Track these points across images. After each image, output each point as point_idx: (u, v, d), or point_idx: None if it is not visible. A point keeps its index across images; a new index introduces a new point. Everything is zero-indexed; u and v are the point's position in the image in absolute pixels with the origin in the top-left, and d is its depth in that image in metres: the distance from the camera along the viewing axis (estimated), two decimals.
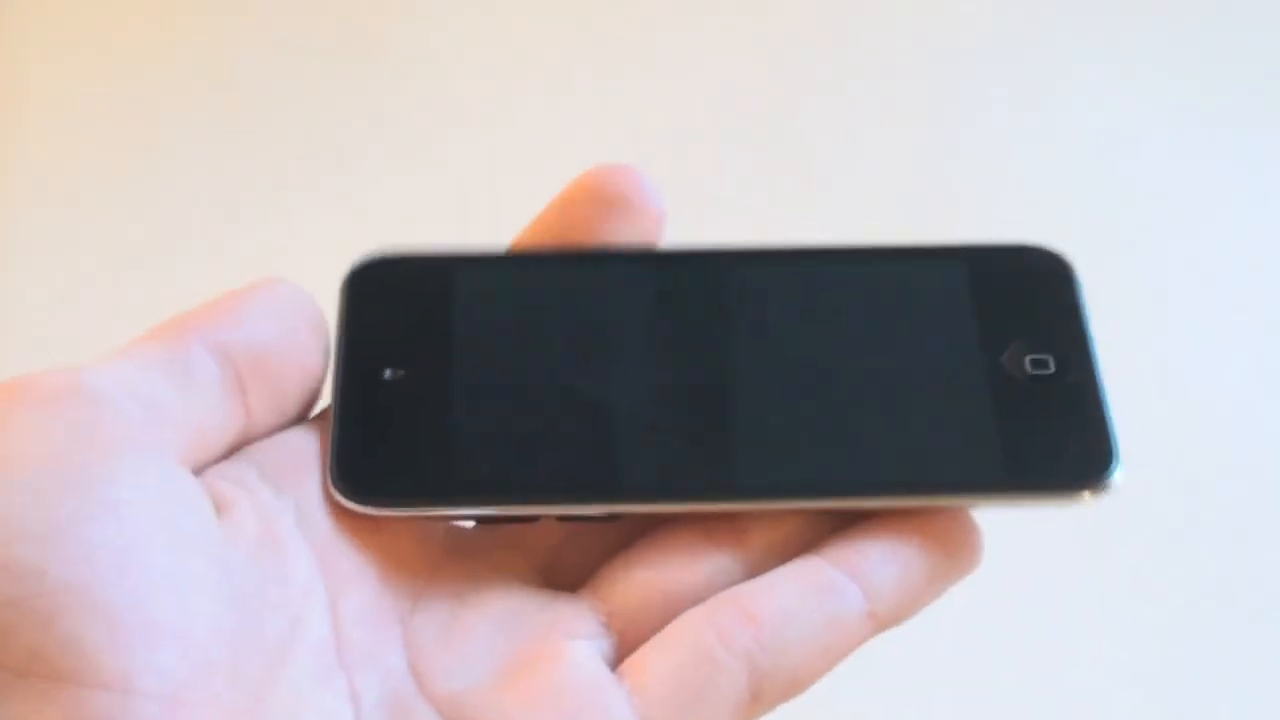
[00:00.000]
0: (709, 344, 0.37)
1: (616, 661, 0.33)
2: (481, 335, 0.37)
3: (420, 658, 0.33)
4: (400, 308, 0.37)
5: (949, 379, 0.36)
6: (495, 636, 0.34)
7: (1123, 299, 0.84)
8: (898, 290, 0.37)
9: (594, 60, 0.95)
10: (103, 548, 0.29)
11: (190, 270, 0.84)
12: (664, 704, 0.32)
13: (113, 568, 0.29)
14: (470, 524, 0.37)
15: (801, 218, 0.88)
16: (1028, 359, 0.36)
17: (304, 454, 0.35)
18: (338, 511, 0.34)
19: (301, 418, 0.36)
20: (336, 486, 0.34)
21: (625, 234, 0.37)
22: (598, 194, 0.37)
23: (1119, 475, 0.34)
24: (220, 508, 0.32)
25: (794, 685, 0.33)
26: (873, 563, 0.34)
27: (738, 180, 0.89)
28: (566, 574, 0.36)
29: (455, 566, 0.35)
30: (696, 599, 0.34)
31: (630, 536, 0.35)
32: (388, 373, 0.36)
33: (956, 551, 0.34)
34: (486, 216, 0.87)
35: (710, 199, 0.88)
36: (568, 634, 0.33)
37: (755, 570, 0.34)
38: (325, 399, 0.36)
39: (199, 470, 0.33)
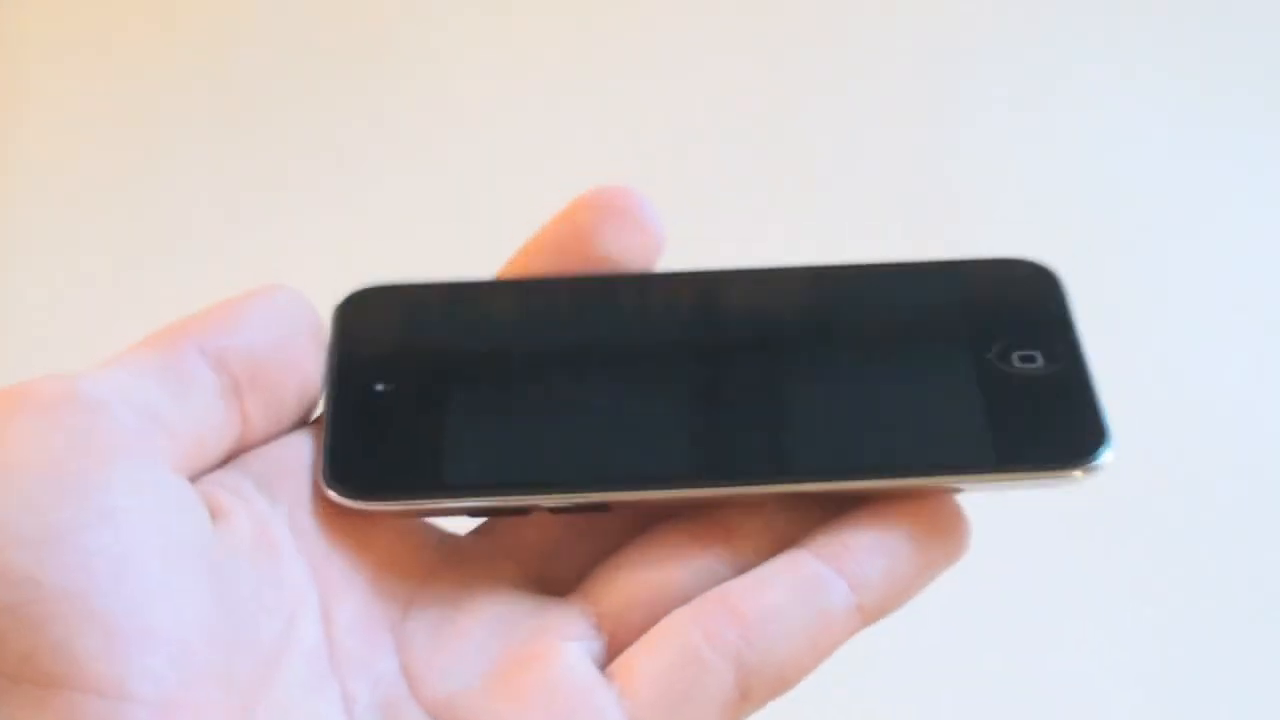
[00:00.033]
0: (696, 345, 0.38)
1: (608, 663, 0.34)
2: (469, 350, 0.38)
3: (413, 662, 0.33)
4: (389, 330, 0.38)
5: (940, 374, 0.37)
6: (487, 640, 0.34)
7: (1122, 298, 0.84)
8: (889, 298, 0.38)
9: (594, 60, 0.95)
10: (98, 554, 0.29)
11: (190, 270, 0.84)
12: (653, 705, 0.32)
13: (107, 574, 0.29)
14: (462, 532, 0.37)
15: (802, 217, 0.88)
16: (1016, 354, 0.37)
17: (299, 462, 0.35)
18: (331, 519, 0.34)
19: (298, 425, 0.36)
20: (329, 484, 0.34)
21: (626, 248, 0.37)
22: (600, 207, 0.37)
23: (1110, 454, 0.35)
24: (216, 515, 0.32)
25: (782, 682, 0.33)
26: (859, 555, 0.34)
27: (737, 180, 0.89)
28: (557, 580, 0.36)
29: (447, 573, 0.35)
30: (685, 599, 0.34)
31: (620, 541, 0.36)
32: (379, 386, 0.36)
33: (943, 539, 0.34)
34: (486, 215, 0.87)
35: (710, 199, 0.88)
36: (559, 636, 0.34)
37: (744, 570, 0.34)
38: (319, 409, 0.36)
39: (195, 477, 0.33)
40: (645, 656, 0.33)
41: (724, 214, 0.87)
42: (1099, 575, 0.75)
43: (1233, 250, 0.87)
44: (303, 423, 0.36)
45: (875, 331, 0.38)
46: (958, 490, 0.35)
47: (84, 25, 0.95)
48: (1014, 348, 0.37)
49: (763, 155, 0.90)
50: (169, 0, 0.97)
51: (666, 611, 0.34)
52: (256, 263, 0.84)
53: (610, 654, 0.34)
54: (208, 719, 0.29)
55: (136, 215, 0.88)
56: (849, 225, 0.88)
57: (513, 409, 0.37)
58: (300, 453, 0.35)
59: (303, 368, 0.35)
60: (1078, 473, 0.35)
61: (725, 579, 0.34)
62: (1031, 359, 0.37)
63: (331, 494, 0.34)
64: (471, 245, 0.82)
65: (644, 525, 0.36)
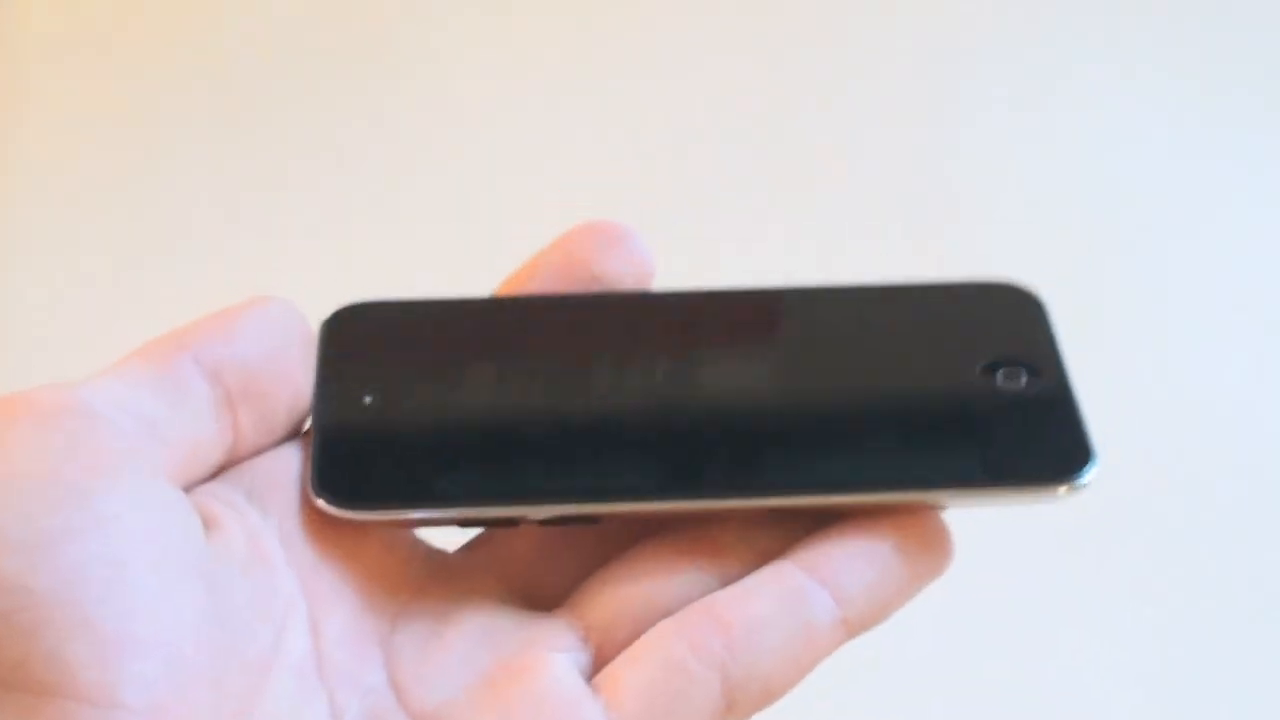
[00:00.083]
0: (685, 361, 0.38)
1: (594, 675, 0.34)
2: (457, 362, 0.38)
3: (400, 674, 0.34)
4: (377, 344, 0.38)
5: (926, 392, 0.37)
6: (474, 653, 0.34)
7: (1122, 298, 0.84)
8: (875, 318, 0.39)
9: (594, 61, 0.95)
10: (90, 563, 0.29)
11: (189, 271, 0.84)
12: (639, 717, 0.32)
13: (100, 582, 0.29)
14: (450, 548, 0.37)
15: (801, 218, 0.88)
16: (1001, 373, 0.37)
17: (289, 475, 0.35)
18: (320, 532, 0.34)
19: (289, 438, 0.36)
20: (317, 493, 0.34)
21: (617, 278, 0.38)
22: (591, 237, 0.38)
23: (1094, 473, 0.35)
24: (209, 525, 0.33)
25: (768, 694, 0.33)
26: (843, 568, 0.34)
27: (737, 180, 0.89)
28: (544, 596, 0.36)
29: (434, 587, 0.35)
30: (672, 613, 0.34)
31: (605, 557, 0.36)
32: (367, 398, 0.37)
33: (928, 553, 0.35)
34: (486, 217, 0.88)
35: (710, 199, 0.88)
36: (546, 648, 0.34)
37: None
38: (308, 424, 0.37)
39: (189, 488, 0.33)
40: (631, 668, 0.33)
41: (724, 214, 0.87)
42: (1094, 579, 0.76)
43: (1233, 250, 0.87)
44: (293, 435, 0.36)
45: (861, 350, 0.38)
46: (942, 506, 0.35)
47: (84, 25, 0.95)
48: (998, 367, 0.37)
49: (762, 156, 0.90)
50: (169, 1, 0.97)
51: (653, 625, 0.34)
52: (256, 264, 0.84)
53: (597, 666, 0.34)
54: None
55: (136, 216, 0.88)
56: (849, 225, 0.88)
57: (501, 421, 0.37)
58: (290, 466, 0.35)
59: (294, 380, 0.35)
60: (1062, 490, 0.35)
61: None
62: (1016, 378, 0.37)
63: (320, 503, 0.34)
64: (471, 247, 0.82)
65: (630, 541, 0.36)
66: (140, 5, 0.96)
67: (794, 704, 0.34)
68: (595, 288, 0.38)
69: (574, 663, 0.34)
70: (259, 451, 0.35)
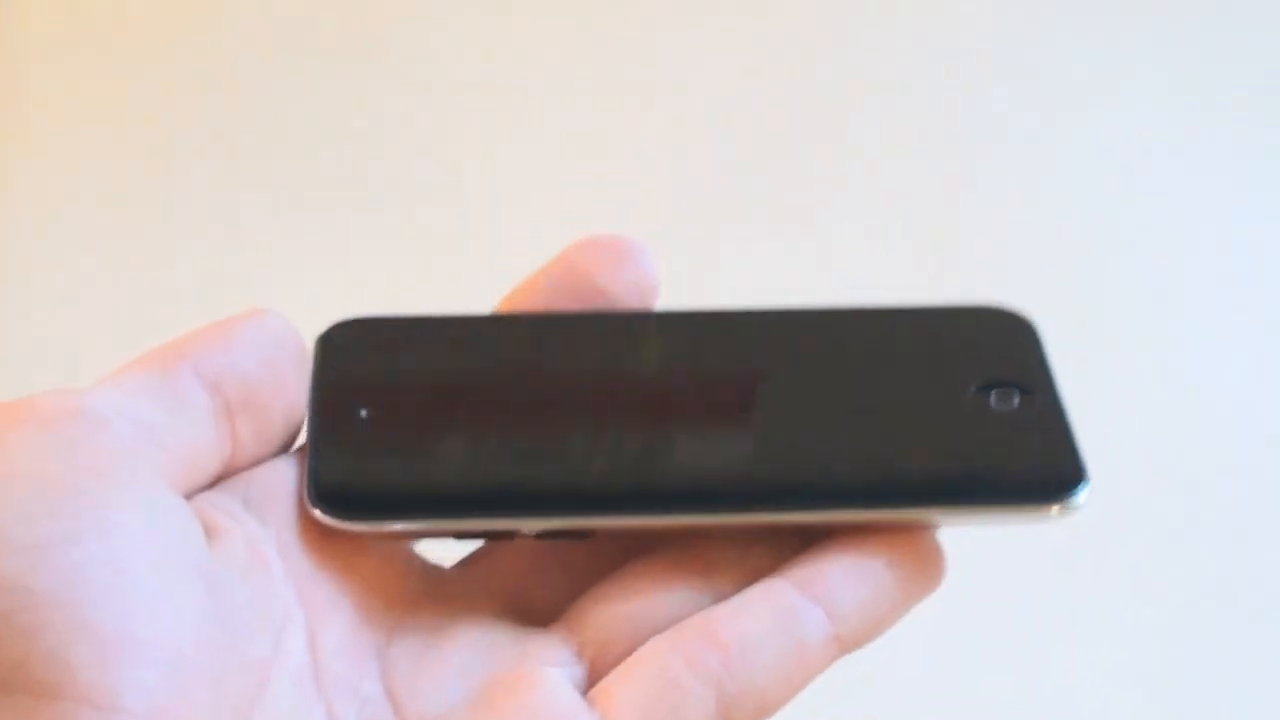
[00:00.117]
0: (679, 379, 0.38)
1: (588, 690, 0.34)
2: (453, 377, 0.38)
3: (396, 686, 0.34)
4: (373, 358, 0.38)
5: (919, 412, 0.37)
6: (470, 666, 0.34)
7: (1124, 305, 0.85)
8: (870, 338, 0.39)
9: (599, 75, 0.95)
10: (91, 564, 0.29)
11: (189, 279, 0.84)
12: None
13: (101, 586, 0.29)
14: (447, 565, 0.37)
15: (805, 234, 0.88)
16: (993, 394, 0.38)
17: (285, 487, 0.35)
18: (317, 543, 0.35)
19: (283, 450, 0.36)
20: (314, 504, 0.35)
21: (621, 292, 0.38)
22: (594, 251, 0.38)
23: (1086, 493, 0.36)
24: (211, 532, 0.33)
25: (762, 710, 0.33)
26: (836, 585, 0.34)
27: (741, 194, 0.90)
28: (538, 613, 0.36)
29: (430, 602, 0.36)
30: (665, 629, 0.34)
31: (599, 575, 0.36)
32: (364, 412, 0.37)
33: (920, 570, 0.35)
34: (488, 222, 0.88)
35: (714, 215, 0.88)
36: (541, 662, 0.34)
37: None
38: (303, 436, 0.37)
39: (188, 495, 0.33)
40: (626, 683, 0.33)
41: (728, 230, 0.88)
42: (1089, 593, 0.76)
43: (1242, 261, 0.88)
44: (287, 448, 0.36)
45: (854, 370, 0.38)
46: (934, 525, 0.36)
47: (85, 29, 0.95)
48: (990, 388, 0.38)
49: (766, 173, 0.91)
50: (171, 8, 0.97)
51: (646, 640, 0.34)
52: (255, 274, 0.84)
53: (591, 681, 0.34)
54: None
55: (136, 222, 0.88)
56: (853, 237, 0.88)
57: (496, 435, 0.37)
58: (287, 477, 0.35)
59: (290, 392, 0.35)
60: (1054, 510, 0.35)
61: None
62: (1008, 400, 0.38)
63: (316, 514, 0.35)
64: (473, 262, 0.82)
65: (623, 559, 0.36)
66: (141, 9, 0.96)
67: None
68: (599, 302, 0.38)
69: (569, 677, 0.34)
70: (256, 462, 0.35)
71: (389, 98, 0.94)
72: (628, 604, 0.35)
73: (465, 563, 0.37)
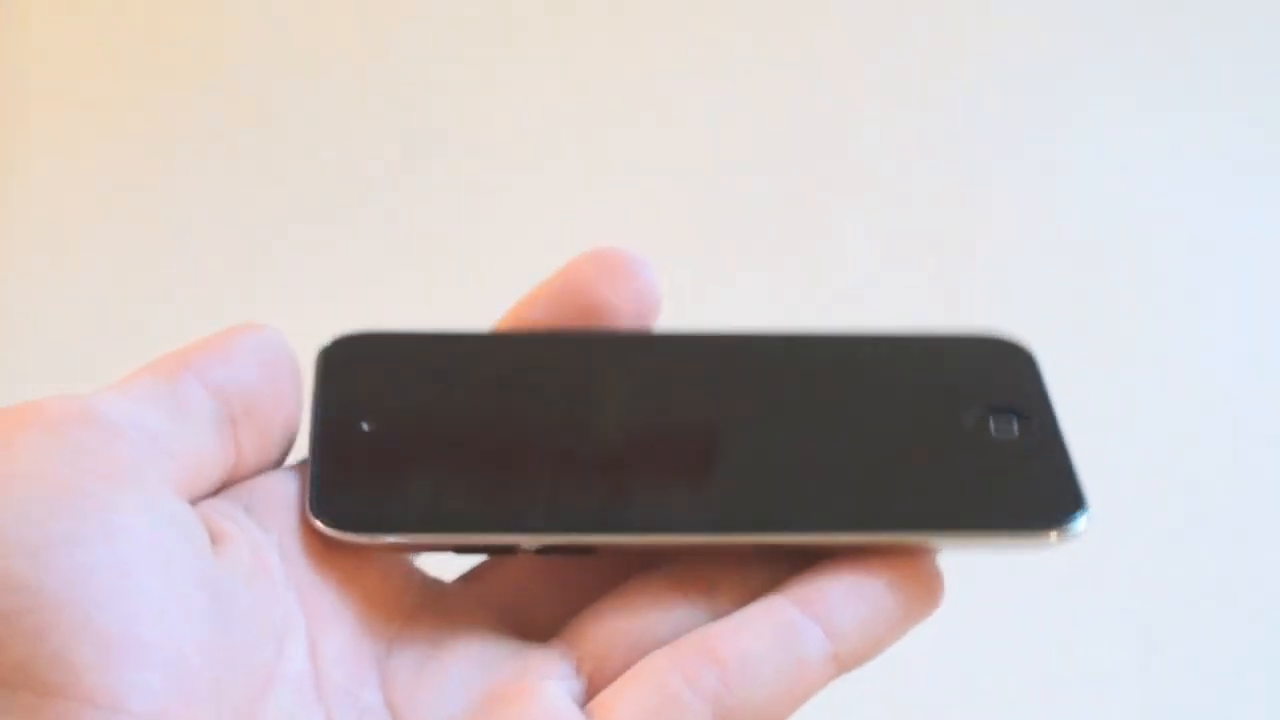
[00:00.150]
0: (683, 403, 0.39)
1: (586, 704, 0.34)
2: (456, 392, 0.38)
3: (396, 697, 0.34)
4: (373, 374, 0.39)
5: (919, 439, 0.38)
6: (469, 678, 0.34)
7: (1127, 325, 0.85)
8: (871, 365, 0.40)
9: (604, 97, 0.95)
10: (96, 567, 0.30)
11: (188, 293, 0.84)
12: None
13: (106, 588, 0.29)
14: (447, 580, 0.37)
15: (811, 258, 0.88)
16: (993, 420, 0.38)
17: (286, 497, 0.35)
18: (318, 554, 0.35)
19: (281, 461, 0.36)
20: (316, 515, 0.35)
21: (623, 307, 0.38)
22: (597, 265, 0.38)
23: (1084, 521, 0.36)
24: (215, 539, 0.33)
25: None
26: (835, 603, 0.34)
27: (746, 217, 0.90)
28: (538, 630, 0.36)
29: (430, 616, 0.36)
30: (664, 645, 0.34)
31: (599, 592, 0.36)
32: (364, 425, 0.37)
33: (919, 592, 0.35)
34: (490, 235, 0.88)
35: (718, 234, 0.88)
36: (540, 675, 0.34)
37: None
38: (300, 451, 0.37)
39: (193, 503, 0.34)
40: (625, 696, 0.33)
41: (732, 249, 0.88)
42: (1089, 610, 0.76)
43: (1245, 275, 0.88)
44: (283, 460, 0.37)
45: (856, 395, 0.39)
46: (933, 549, 0.36)
47: (86, 37, 0.95)
48: (990, 415, 0.38)
49: (772, 198, 0.91)
50: (173, 15, 0.97)
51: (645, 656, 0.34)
52: (254, 289, 0.85)
53: (589, 696, 0.34)
54: None
55: (137, 222, 0.88)
56: (861, 239, 0.88)
57: (498, 451, 0.37)
58: (288, 488, 0.36)
59: (288, 404, 0.36)
60: (1053, 536, 0.36)
61: None
62: (1008, 428, 0.38)
63: (318, 525, 0.35)
64: (476, 278, 0.82)
65: (623, 578, 0.36)
66: (143, 19, 0.97)
67: None
68: (601, 317, 0.38)
69: (568, 691, 0.34)
70: (256, 473, 0.36)
71: (394, 109, 0.94)
72: (627, 620, 0.35)
73: (466, 579, 0.38)
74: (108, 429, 0.32)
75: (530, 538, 0.36)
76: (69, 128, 0.92)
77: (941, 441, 0.38)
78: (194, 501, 0.34)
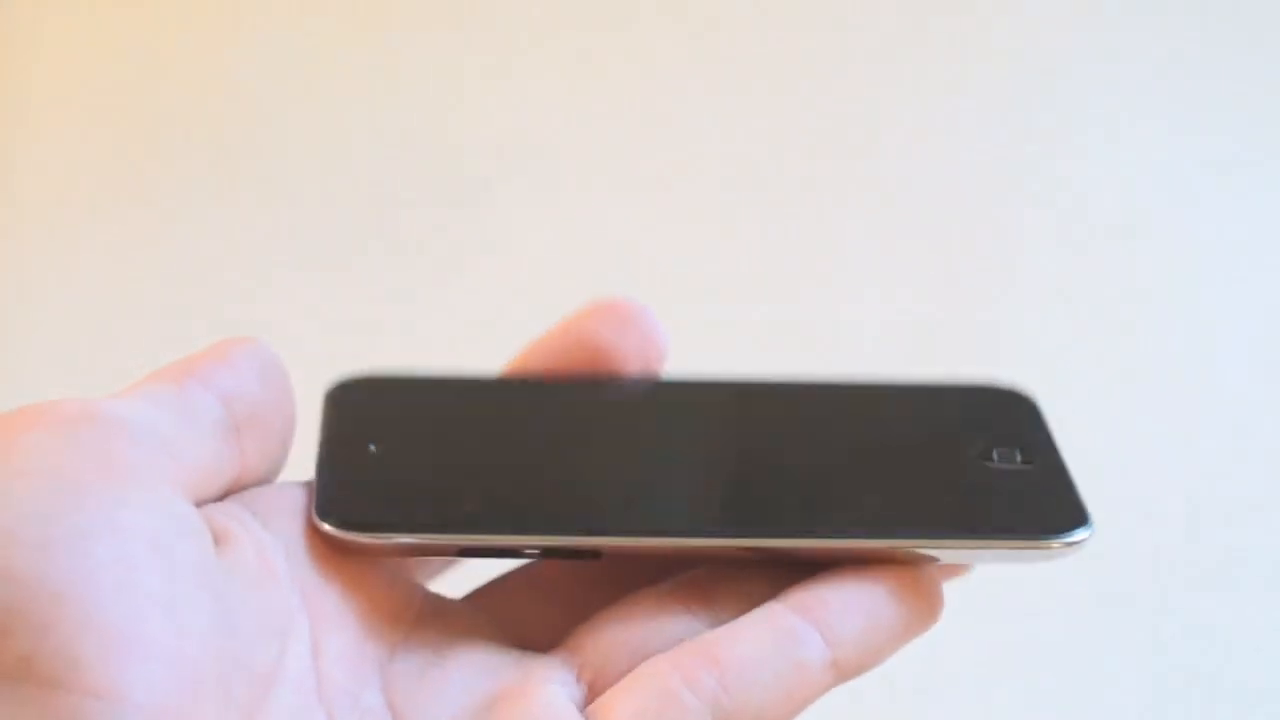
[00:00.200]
0: (686, 442, 0.40)
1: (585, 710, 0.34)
2: (460, 433, 0.39)
3: (397, 700, 0.34)
4: (379, 411, 0.39)
5: (926, 464, 0.39)
6: (470, 682, 0.35)
7: (1127, 322, 0.85)
8: (877, 411, 0.41)
9: (611, 130, 0.95)
10: (101, 565, 0.30)
11: (191, 276, 0.84)
12: None
13: (110, 585, 0.30)
14: (449, 594, 0.38)
15: (815, 306, 0.88)
16: (997, 454, 0.39)
17: (291, 503, 0.36)
18: (323, 557, 0.35)
19: (279, 470, 0.37)
20: (321, 518, 0.35)
21: (629, 357, 0.39)
22: (603, 315, 0.39)
23: (1087, 533, 0.36)
24: (220, 540, 0.33)
25: None
26: (835, 610, 0.35)
27: (754, 259, 0.90)
28: (539, 641, 0.37)
29: (432, 625, 0.36)
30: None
31: (601, 604, 0.37)
32: (372, 446, 0.38)
33: (919, 603, 0.36)
34: (498, 278, 0.88)
35: (724, 277, 0.88)
36: (541, 679, 0.34)
37: None
38: (295, 468, 0.38)
39: (198, 507, 0.34)
40: (624, 698, 0.34)
41: (740, 294, 0.88)
42: (1088, 634, 0.76)
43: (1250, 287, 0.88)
44: (280, 470, 0.37)
45: (860, 436, 0.40)
46: (934, 559, 0.36)
47: (87, 44, 0.95)
48: (994, 449, 0.39)
49: (779, 241, 0.91)
50: (174, 22, 0.97)
51: None
52: (259, 277, 0.85)
53: (589, 702, 0.35)
54: None
55: (137, 227, 0.88)
56: (871, 250, 0.89)
57: (503, 461, 0.38)
58: (293, 496, 0.36)
59: (286, 414, 0.36)
60: (1056, 545, 0.36)
61: None
62: (1012, 459, 0.39)
63: (325, 526, 0.35)
64: (482, 323, 0.82)
65: (624, 590, 0.37)
66: (144, 26, 0.97)
67: None
68: (606, 365, 0.39)
69: (568, 695, 0.34)
70: (258, 480, 0.36)
71: (400, 115, 0.94)
72: (627, 630, 0.35)
73: (469, 596, 0.38)
74: (115, 429, 0.32)
75: (535, 539, 0.36)
76: (69, 128, 0.92)
77: (946, 466, 0.38)
78: (201, 505, 0.34)
